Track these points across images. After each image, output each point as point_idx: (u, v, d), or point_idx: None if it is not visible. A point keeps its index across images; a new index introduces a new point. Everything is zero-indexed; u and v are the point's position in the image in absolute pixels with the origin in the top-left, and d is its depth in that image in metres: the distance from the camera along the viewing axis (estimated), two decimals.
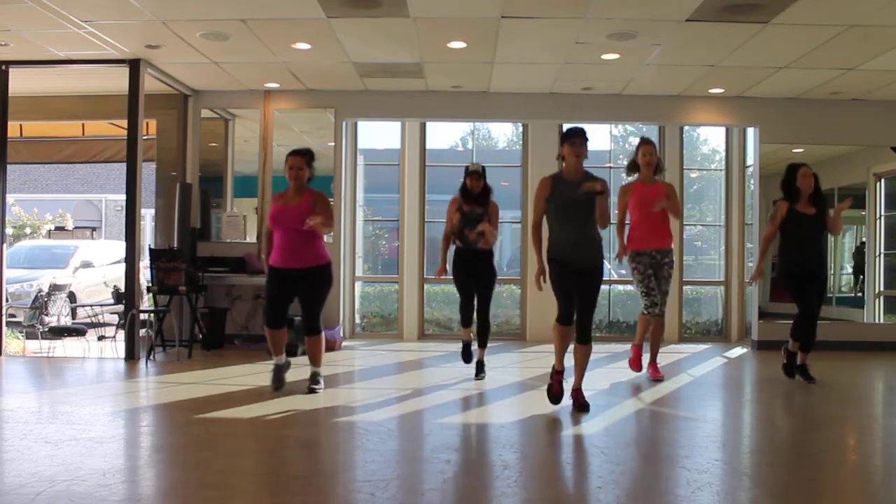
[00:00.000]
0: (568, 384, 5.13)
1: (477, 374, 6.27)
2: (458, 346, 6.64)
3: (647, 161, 6.17)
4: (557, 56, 7.00)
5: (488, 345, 6.40)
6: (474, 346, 6.40)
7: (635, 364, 6.31)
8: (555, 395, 5.08)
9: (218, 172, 8.77)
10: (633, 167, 6.29)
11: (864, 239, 9.17)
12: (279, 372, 5.61)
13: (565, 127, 4.96)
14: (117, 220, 22.07)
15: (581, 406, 4.99)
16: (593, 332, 5.11)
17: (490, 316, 6.34)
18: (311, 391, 5.54)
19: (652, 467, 3.99)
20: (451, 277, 6.37)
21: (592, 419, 4.83)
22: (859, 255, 9.26)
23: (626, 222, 6.23)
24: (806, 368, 6.19)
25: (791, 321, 6.26)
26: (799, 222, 6.06)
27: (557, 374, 5.10)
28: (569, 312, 4.96)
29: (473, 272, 6.21)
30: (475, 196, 6.17)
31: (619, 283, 9.30)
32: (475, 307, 6.29)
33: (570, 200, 4.88)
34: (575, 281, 4.93)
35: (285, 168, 5.52)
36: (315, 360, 5.66)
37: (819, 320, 6.22)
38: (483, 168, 6.27)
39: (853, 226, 9.82)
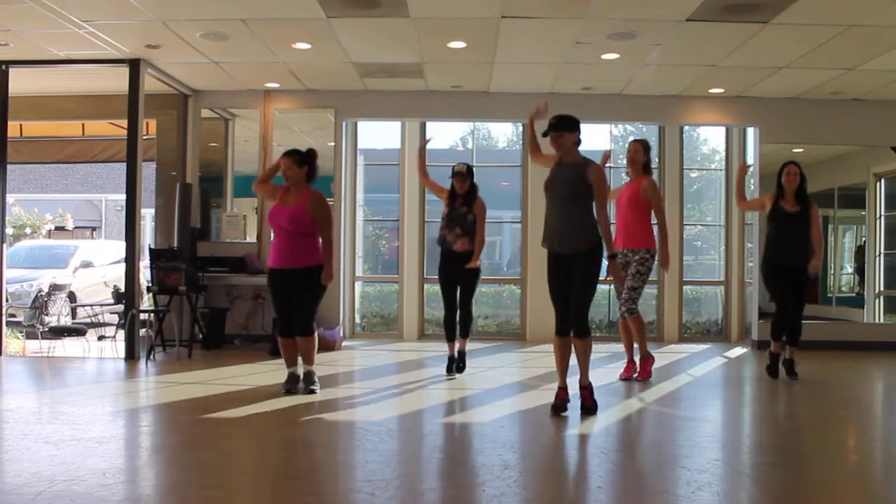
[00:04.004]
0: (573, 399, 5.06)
1: (457, 365, 6.25)
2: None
3: (630, 158, 6.18)
4: (557, 56, 7.00)
5: (471, 339, 6.44)
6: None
7: (636, 371, 6.30)
8: (555, 407, 4.91)
9: (218, 172, 8.77)
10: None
11: (863, 239, 9.17)
12: (293, 379, 5.54)
13: None
14: (117, 220, 22.04)
15: (587, 409, 4.87)
16: (594, 331, 5.03)
17: (471, 307, 6.33)
18: (310, 391, 5.49)
19: (652, 467, 3.99)
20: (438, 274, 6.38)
21: (592, 419, 4.82)
22: (860, 256, 9.26)
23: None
24: (792, 364, 6.24)
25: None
26: (781, 219, 6.17)
27: (561, 389, 4.95)
28: (563, 319, 4.86)
29: (455, 273, 6.18)
30: (462, 197, 6.17)
31: None
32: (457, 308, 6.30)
33: (558, 184, 4.85)
34: (565, 271, 4.82)
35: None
36: (308, 359, 5.53)
37: (819, 320, 6.27)
38: (468, 167, 6.22)
39: (853, 226, 9.83)
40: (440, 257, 6.30)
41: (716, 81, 7.77)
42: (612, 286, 7.81)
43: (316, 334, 5.56)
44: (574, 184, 4.80)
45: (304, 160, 5.46)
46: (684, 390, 6.06)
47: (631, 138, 7.81)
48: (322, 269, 5.43)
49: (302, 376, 5.57)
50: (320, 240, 5.48)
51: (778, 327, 6.26)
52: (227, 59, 7.20)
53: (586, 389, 4.92)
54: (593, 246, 4.80)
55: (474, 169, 6.36)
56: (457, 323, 6.28)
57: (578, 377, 4.93)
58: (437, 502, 3.36)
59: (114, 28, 6.28)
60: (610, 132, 9.50)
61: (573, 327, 4.83)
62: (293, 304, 5.44)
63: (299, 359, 5.58)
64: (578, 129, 4.91)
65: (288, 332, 5.50)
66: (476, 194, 6.20)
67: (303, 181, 5.44)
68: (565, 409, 4.90)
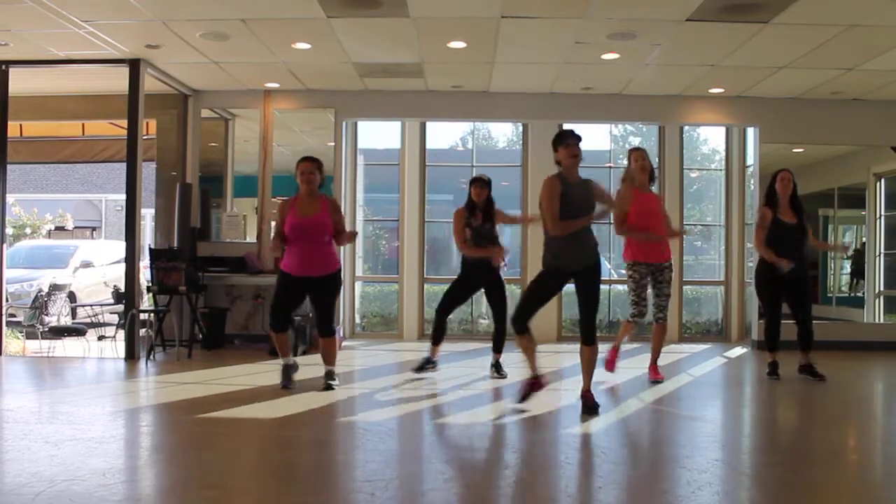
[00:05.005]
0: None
1: (498, 373, 6.32)
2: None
3: (640, 165, 6.09)
4: (557, 56, 7.00)
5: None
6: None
7: (610, 365, 6.25)
8: (525, 396, 5.16)
9: (218, 172, 8.77)
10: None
11: (863, 240, 9.17)
12: (288, 371, 5.78)
13: (565, 127, 5.00)
14: (117, 220, 22.04)
15: (590, 408, 4.93)
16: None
17: (507, 324, 6.29)
18: (328, 387, 5.65)
19: (652, 467, 3.99)
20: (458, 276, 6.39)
21: (593, 419, 4.82)
22: (859, 257, 9.26)
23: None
24: (812, 367, 6.23)
25: (787, 321, 6.32)
26: (782, 231, 6.14)
27: (535, 378, 5.17)
28: (527, 316, 5.02)
29: (480, 282, 6.23)
30: (480, 207, 6.16)
31: (619, 283, 9.29)
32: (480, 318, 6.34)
33: (576, 201, 4.94)
34: (562, 283, 5.03)
35: (296, 174, 5.61)
36: (330, 360, 5.80)
37: (819, 320, 6.26)
38: (489, 178, 6.28)
39: (853, 226, 9.83)
40: (463, 265, 6.31)
41: (716, 81, 7.77)
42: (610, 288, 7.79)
43: (336, 336, 5.83)
44: (588, 200, 4.99)
45: (322, 167, 5.68)
46: (684, 390, 6.06)
47: (630, 145, 7.78)
48: (339, 272, 5.75)
49: (324, 374, 5.78)
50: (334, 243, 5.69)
51: (772, 338, 6.29)
52: (227, 59, 7.20)
53: (588, 393, 5.02)
54: (599, 258, 5.10)
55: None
56: (445, 329, 6.39)
57: (582, 384, 5.04)
58: (437, 502, 3.36)
59: (114, 28, 6.28)
60: (610, 132, 9.51)
61: (585, 336, 4.98)
62: (316, 308, 5.70)
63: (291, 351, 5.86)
64: None
65: (282, 326, 5.70)
66: (494, 207, 6.22)
67: (317, 187, 5.63)
68: (526, 399, 5.15)
